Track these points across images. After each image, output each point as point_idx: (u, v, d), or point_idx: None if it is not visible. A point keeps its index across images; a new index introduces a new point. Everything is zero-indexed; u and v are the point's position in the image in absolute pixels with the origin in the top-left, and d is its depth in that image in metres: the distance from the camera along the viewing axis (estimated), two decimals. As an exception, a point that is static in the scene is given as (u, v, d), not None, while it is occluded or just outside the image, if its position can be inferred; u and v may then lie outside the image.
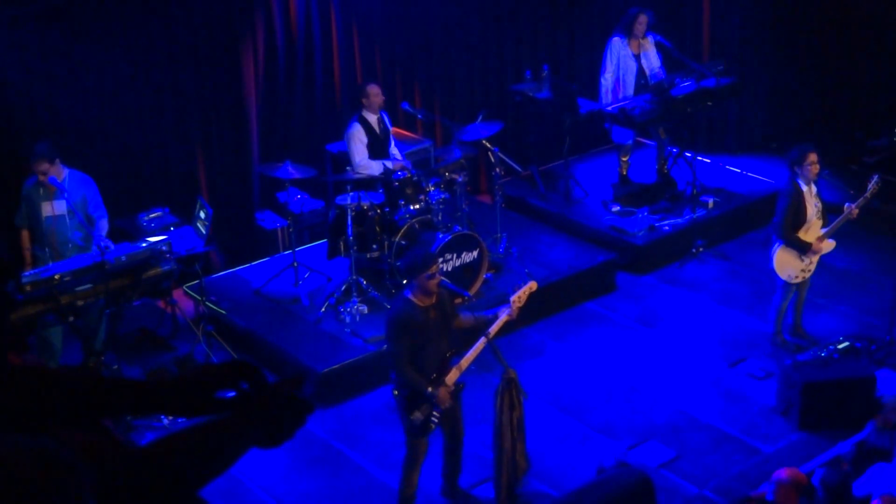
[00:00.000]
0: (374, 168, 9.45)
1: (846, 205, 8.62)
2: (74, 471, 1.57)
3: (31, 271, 7.73)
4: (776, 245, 8.72)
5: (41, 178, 8.19)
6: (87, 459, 1.70)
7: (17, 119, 9.09)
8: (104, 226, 8.42)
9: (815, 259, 8.76)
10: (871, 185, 8.63)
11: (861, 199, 8.61)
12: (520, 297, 6.85)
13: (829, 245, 8.74)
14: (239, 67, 10.02)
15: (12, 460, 1.52)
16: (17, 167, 8.69)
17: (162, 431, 7.72)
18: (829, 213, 8.78)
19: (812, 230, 8.65)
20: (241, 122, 10.19)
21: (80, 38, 9.15)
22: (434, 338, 6.75)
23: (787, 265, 8.73)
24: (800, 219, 8.59)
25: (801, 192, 8.54)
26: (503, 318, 6.77)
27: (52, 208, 8.31)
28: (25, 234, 8.49)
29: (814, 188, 8.63)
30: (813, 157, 8.49)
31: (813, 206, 8.62)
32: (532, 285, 6.97)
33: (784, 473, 6.55)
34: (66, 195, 8.20)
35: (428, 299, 6.73)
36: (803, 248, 8.64)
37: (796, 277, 8.78)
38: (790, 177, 8.59)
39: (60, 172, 8.24)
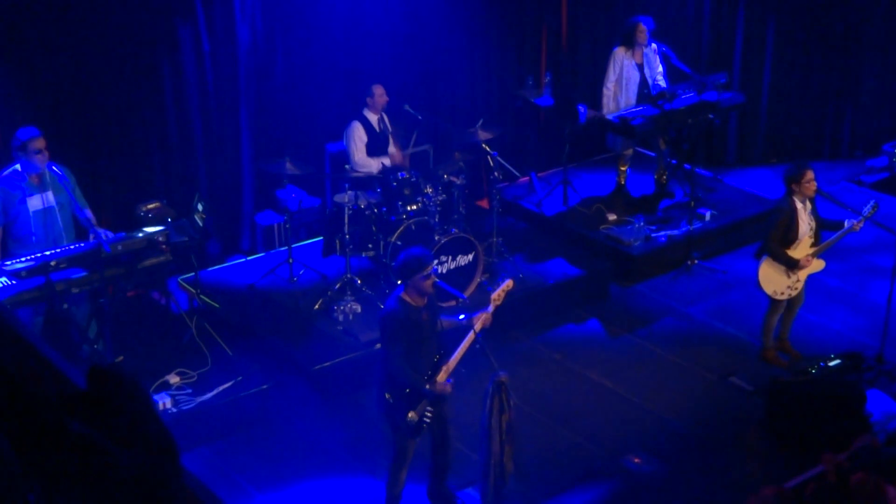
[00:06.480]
0: (373, 166, 9.46)
1: (846, 221, 8.58)
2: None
3: (25, 257, 7.50)
4: (763, 258, 8.72)
5: (38, 158, 7.65)
6: None
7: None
8: (90, 215, 8.12)
9: (803, 277, 8.75)
10: (868, 209, 8.60)
11: (858, 222, 8.55)
12: (499, 294, 6.95)
13: (817, 264, 8.72)
14: (237, 61, 10.01)
15: None
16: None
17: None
18: (826, 230, 8.76)
19: (801, 247, 8.65)
20: (239, 118, 10.17)
21: (80, 27, 9.15)
22: (426, 338, 6.78)
23: (772, 280, 8.72)
24: (790, 235, 8.60)
25: (795, 209, 8.54)
26: (483, 317, 6.82)
27: (42, 201, 7.83)
28: None
29: (808, 206, 8.63)
30: (810, 174, 8.48)
31: (806, 223, 8.61)
32: (509, 284, 7.06)
33: (769, 490, 6.58)
34: (62, 180, 7.80)
35: (421, 300, 6.75)
36: (790, 264, 8.63)
37: (782, 294, 8.76)
38: (786, 192, 8.60)
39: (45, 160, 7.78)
